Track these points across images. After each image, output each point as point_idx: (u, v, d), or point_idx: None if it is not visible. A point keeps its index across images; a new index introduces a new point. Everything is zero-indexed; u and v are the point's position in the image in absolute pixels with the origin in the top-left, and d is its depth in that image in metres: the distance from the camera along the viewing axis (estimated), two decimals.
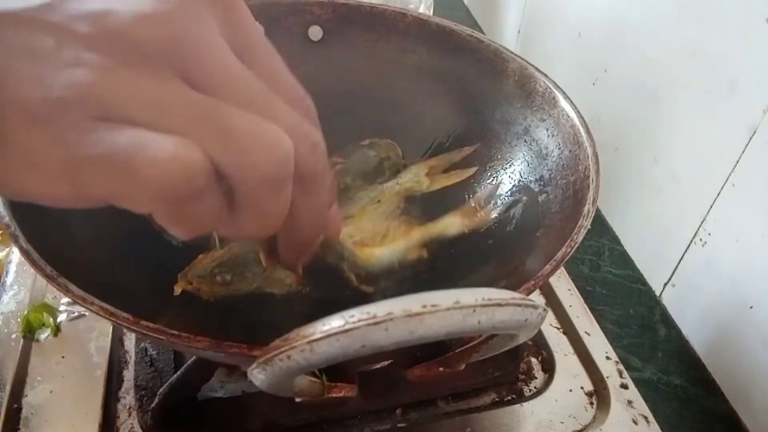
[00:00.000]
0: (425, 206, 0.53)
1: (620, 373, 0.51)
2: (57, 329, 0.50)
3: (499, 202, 0.51)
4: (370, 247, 0.49)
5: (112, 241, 0.43)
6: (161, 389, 0.45)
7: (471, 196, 0.53)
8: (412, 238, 0.50)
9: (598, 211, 0.52)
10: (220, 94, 0.22)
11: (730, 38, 0.52)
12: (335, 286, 0.45)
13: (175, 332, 0.29)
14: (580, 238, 0.37)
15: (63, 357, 0.49)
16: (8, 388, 0.46)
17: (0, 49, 0.19)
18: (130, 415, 0.46)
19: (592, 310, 0.56)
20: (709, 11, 0.54)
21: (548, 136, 0.48)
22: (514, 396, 0.50)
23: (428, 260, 0.50)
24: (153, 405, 0.45)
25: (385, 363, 0.44)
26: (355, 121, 0.58)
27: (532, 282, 0.34)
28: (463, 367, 0.34)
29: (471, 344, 0.32)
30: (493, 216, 0.50)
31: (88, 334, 0.50)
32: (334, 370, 0.30)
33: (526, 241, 0.44)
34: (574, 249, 0.36)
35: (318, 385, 0.30)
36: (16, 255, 0.57)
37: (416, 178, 0.56)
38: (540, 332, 0.53)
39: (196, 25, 0.22)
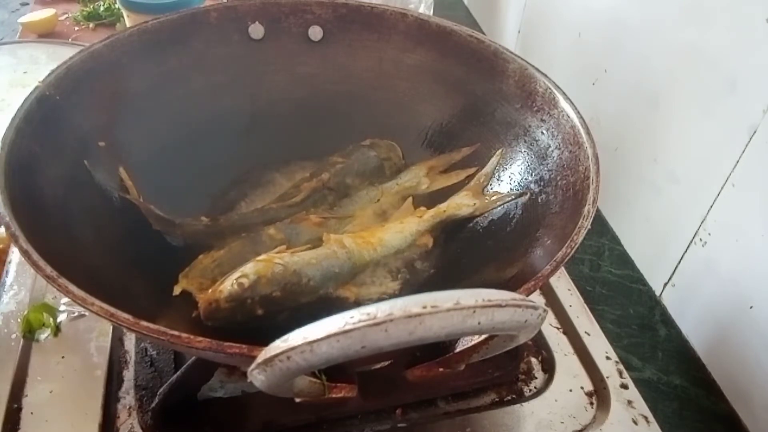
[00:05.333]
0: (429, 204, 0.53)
1: (620, 373, 0.51)
2: (57, 329, 0.50)
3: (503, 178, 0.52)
4: (374, 234, 0.49)
5: (112, 241, 0.43)
6: (161, 389, 0.45)
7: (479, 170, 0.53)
8: (425, 220, 0.51)
9: (598, 211, 0.52)
10: None
11: (730, 38, 0.52)
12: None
13: (175, 332, 0.29)
14: (580, 239, 0.37)
15: (63, 357, 0.49)
16: (8, 388, 0.46)
17: None
18: (130, 415, 0.46)
19: (592, 310, 0.56)
20: (709, 11, 0.54)
21: (548, 136, 0.48)
22: (514, 396, 0.50)
23: (430, 261, 0.50)
24: (153, 405, 0.45)
25: (385, 363, 0.44)
26: (355, 120, 0.58)
27: (532, 282, 0.34)
28: (462, 367, 0.34)
29: (471, 345, 0.32)
30: (498, 204, 0.51)
31: (88, 334, 0.50)
32: (334, 371, 0.30)
33: (526, 242, 0.44)
34: (574, 249, 0.36)
35: (318, 385, 0.30)
36: (16, 255, 0.57)
37: (416, 178, 0.56)
38: (540, 332, 0.53)
39: None
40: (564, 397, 0.49)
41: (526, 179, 0.49)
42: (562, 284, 0.58)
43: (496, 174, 0.52)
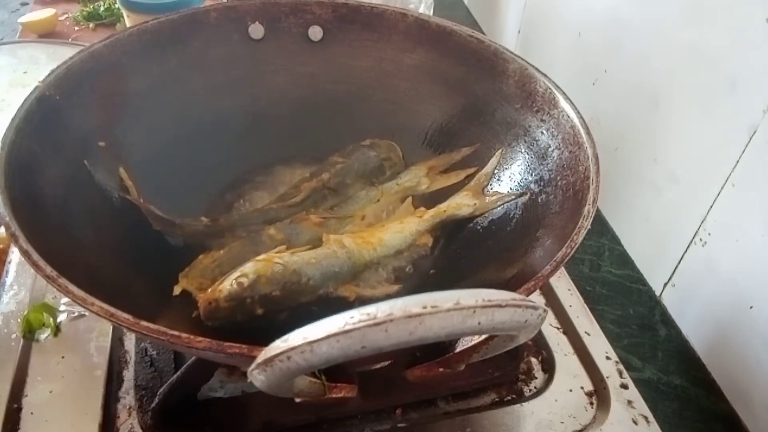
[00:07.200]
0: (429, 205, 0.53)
1: (620, 373, 0.51)
2: (57, 329, 0.50)
3: (503, 178, 0.52)
4: (374, 234, 0.49)
5: (112, 241, 0.44)
6: (161, 389, 0.45)
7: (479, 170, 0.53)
8: (425, 220, 0.51)
9: (598, 211, 0.52)
10: None
11: (730, 38, 0.52)
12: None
13: (175, 332, 0.29)
14: (580, 239, 0.37)
15: (63, 357, 0.49)
16: (8, 388, 0.46)
17: None
18: (130, 415, 0.46)
19: (592, 310, 0.56)
20: (708, 11, 0.54)
21: (548, 136, 0.48)
22: (514, 396, 0.50)
23: (430, 261, 0.50)
24: (153, 405, 0.45)
25: (385, 363, 0.44)
26: (355, 121, 0.58)
27: (532, 282, 0.34)
28: (462, 367, 0.34)
29: (471, 345, 0.32)
30: (498, 204, 0.51)
31: (88, 334, 0.50)
32: (334, 371, 0.30)
33: (526, 242, 0.44)
34: (574, 249, 0.36)
35: (318, 385, 0.30)
36: (16, 255, 0.57)
37: (416, 178, 0.56)
38: (540, 332, 0.53)
39: None
40: (564, 397, 0.49)
41: (526, 179, 0.49)
42: (562, 284, 0.58)
43: (496, 174, 0.52)
